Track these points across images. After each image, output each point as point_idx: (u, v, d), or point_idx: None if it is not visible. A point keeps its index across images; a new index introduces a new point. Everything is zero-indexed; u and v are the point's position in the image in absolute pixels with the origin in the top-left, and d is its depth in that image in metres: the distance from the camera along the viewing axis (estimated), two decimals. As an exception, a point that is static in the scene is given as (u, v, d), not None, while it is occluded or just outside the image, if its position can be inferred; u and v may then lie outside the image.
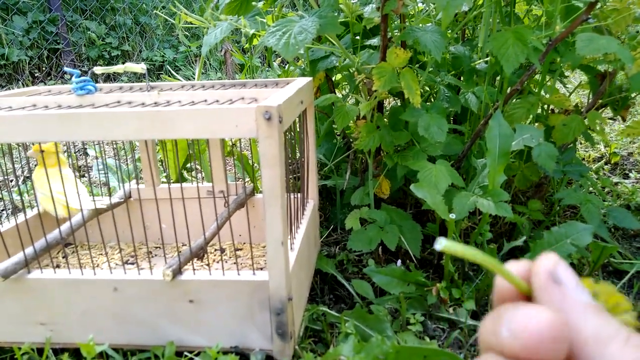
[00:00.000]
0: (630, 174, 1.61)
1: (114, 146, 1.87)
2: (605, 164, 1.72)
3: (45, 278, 0.71)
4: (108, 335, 0.72)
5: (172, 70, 3.13)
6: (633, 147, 1.89)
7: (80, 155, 1.92)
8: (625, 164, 1.72)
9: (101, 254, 1.00)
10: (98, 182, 1.58)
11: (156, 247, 1.05)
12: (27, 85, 3.13)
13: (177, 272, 0.69)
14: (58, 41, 3.32)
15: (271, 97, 0.66)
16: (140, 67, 0.78)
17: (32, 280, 0.71)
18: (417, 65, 1.08)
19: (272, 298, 0.67)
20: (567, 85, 1.36)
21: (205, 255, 0.77)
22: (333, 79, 1.21)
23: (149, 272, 0.70)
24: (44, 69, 3.27)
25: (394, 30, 1.02)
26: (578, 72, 2.22)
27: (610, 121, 2.17)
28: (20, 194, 0.72)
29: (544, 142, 0.95)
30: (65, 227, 0.76)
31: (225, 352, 0.69)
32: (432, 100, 1.15)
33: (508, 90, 1.01)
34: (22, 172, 1.69)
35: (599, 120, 1.07)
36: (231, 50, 1.70)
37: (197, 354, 0.71)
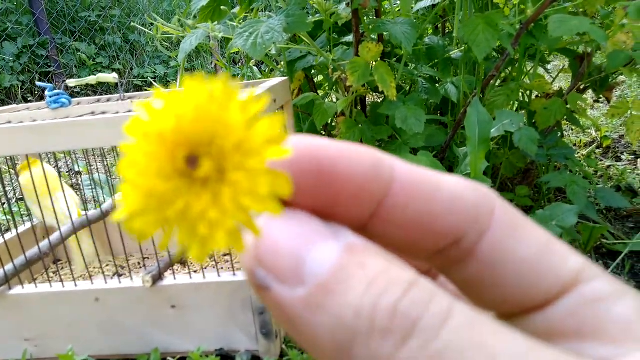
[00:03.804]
0: (622, 157, 1.61)
1: (103, 161, 1.88)
2: (597, 148, 1.71)
3: (26, 293, 0.70)
4: (94, 346, 0.72)
5: (161, 87, 3.15)
6: (624, 130, 1.88)
7: (72, 174, 1.92)
8: (617, 147, 1.72)
9: (92, 268, 1.00)
10: (87, 197, 1.58)
11: (145, 258, 1.04)
12: (21, 110, 3.14)
13: (157, 278, 0.69)
14: (49, 64, 3.34)
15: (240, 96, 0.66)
16: (112, 77, 0.78)
17: (14, 296, 0.71)
18: (395, 59, 1.08)
19: (254, 297, 0.66)
20: (550, 71, 1.35)
21: (188, 261, 0.77)
22: (315, 80, 1.21)
23: (130, 280, 0.70)
24: (36, 92, 3.29)
25: (369, 26, 1.02)
26: (565, 59, 2.22)
27: (601, 105, 2.17)
28: (6, 214, 0.72)
29: (525, 126, 0.94)
30: (44, 243, 0.76)
31: (208, 355, 0.68)
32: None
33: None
34: (15, 194, 1.69)
35: (580, 102, 1.07)
36: (217, 60, 1.71)
37: (181, 359, 0.70)
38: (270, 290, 0.13)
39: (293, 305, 0.13)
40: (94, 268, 1.00)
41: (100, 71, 3.55)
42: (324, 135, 1.26)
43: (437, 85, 1.05)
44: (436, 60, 1.06)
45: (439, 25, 1.31)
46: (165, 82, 3.66)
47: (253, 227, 0.13)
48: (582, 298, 0.14)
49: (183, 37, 1.01)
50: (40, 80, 3.33)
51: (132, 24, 3.72)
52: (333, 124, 1.22)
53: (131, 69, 3.69)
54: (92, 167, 1.81)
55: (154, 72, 3.72)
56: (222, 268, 0.95)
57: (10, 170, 1.81)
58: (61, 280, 0.72)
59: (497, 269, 0.15)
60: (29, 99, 3.27)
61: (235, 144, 0.12)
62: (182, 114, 0.12)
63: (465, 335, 0.12)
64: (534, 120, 1.06)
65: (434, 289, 0.12)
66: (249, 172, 0.12)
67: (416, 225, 0.15)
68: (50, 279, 0.95)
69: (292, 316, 0.13)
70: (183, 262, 0.74)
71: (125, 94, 0.87)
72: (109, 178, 1.08)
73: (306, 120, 1.22)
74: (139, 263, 1.02)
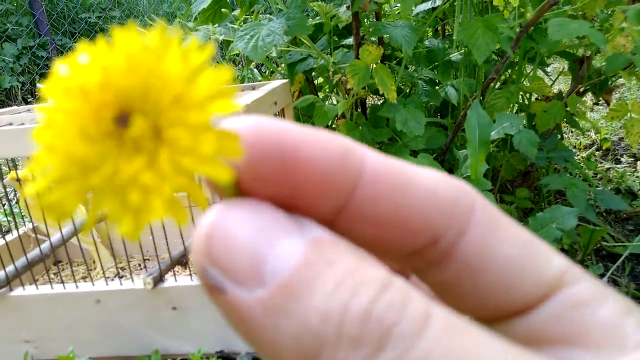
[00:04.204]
0: (622, 159, 1.61)
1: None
2: (597, 150, 1.72)
3: (27, 294, 0.71)
4: (94, 347, 0.72)
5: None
6: (623, 132, 1.88)
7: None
8: (617, 149, 1.72)
9: (91, 270, 1.00)
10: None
11: (146, 260, 1.05)
12: (21, 111, 3.14)
13: (158, 279, 0.69)
14: (49, 65, 3.34)
15: (241, 99, 0.66)
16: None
17: (15, 298, 0.71)
18: (395, 61, 1.09)
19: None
20: (550, 74, 1.36)
21: (189, 263, 0.77)
22: (315, 82, 1.21)
23: (131, 281, 0.70)
24: (36, 94, 3.29)
25: (369, 28, 1.03)
26: (565, 62, 2.23)
27: (600, 108, 2.17)
28: (7, 215, 0.72)
29: (525, 129, 0.95)
30: (45, 245, 0.76)
31: (209, 357, 0.69)
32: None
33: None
34: (15, 195, 1.69)
35: (580, 105, 1.07)
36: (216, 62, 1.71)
37: (183, 361, 0.70)
38: (224, 292, 0.11)
39: (251, 309, 0.11)
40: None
41: (100, 72, 3.55)
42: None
43: (437, 87, 1.06)
44: (436, 63, 1.06)
45: (439, 28, 1.32)
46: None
47: (197, 193, 0.10)
48: (566, 302, 0.13)
49: (183, 39, 1.01)
50: (40, 81, 3.33)
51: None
52: (333, 126, 1.23)
53: (131, 70, 3.70)
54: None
55: (154, 74, 3.72)
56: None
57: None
58: (62, 282, 0.72)
59: (477, 271, 0.13)
60: (29, 100, 3.27)
61: (173, 98, 0.10)
62: (110, 66, 0.10)
63: (445, 344, 0.10)
64: (533, 123, 1.06)
65: (410, 289, 0.11)
66: (190, 128, 0.10)
67: (388, 221, 0.13)
68: (52, 281, 0.95)
69: (249, 322, 0.11)
70: (184, 264, 0.75)
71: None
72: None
73: (306, 122, 1.22)
74: (139, 264, 1.02)
